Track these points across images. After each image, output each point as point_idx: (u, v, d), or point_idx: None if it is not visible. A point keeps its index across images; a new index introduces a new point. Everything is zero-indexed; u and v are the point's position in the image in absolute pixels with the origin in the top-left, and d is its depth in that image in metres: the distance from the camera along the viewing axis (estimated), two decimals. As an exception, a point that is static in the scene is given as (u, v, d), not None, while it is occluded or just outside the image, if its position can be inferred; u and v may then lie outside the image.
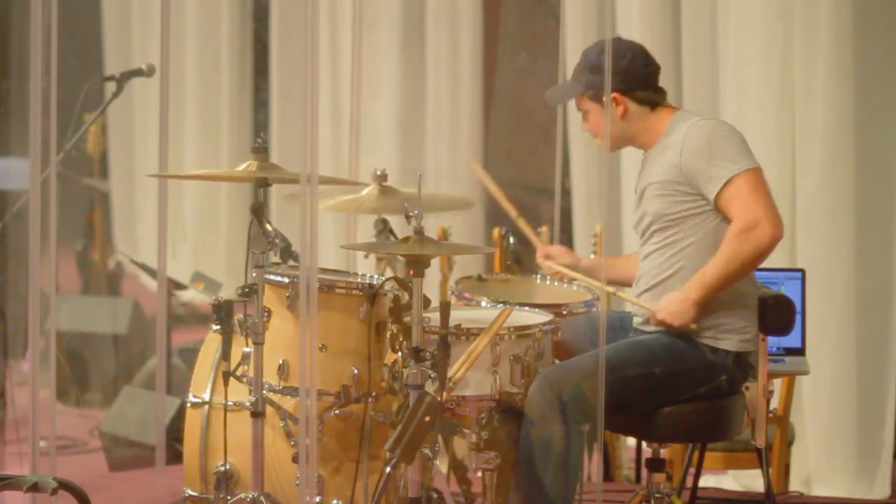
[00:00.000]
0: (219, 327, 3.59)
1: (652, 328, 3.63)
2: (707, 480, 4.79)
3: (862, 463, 4.77)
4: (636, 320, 3.71)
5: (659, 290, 3.62)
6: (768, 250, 3.52)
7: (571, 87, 3.75)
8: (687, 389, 3.57)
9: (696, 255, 3.58)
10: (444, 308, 3.37)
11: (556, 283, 4.33)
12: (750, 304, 3.63)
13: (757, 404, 3.70)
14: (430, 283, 4.23)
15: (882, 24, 4.79)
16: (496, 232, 4.89)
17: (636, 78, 3.66)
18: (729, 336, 3.59)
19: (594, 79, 3.66)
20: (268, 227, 3.52)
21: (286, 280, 3.62)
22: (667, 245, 3.62)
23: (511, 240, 4.83)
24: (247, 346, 3.56)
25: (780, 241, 3.52)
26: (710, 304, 3.57)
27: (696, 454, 4.30)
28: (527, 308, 3.80)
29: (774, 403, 4.31)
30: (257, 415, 3.56)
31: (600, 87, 3.64)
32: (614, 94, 3.64)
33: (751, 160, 3.55)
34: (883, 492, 4.75)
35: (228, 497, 3.70)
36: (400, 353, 3.46)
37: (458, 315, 3.58)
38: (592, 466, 4.32)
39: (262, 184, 3.59)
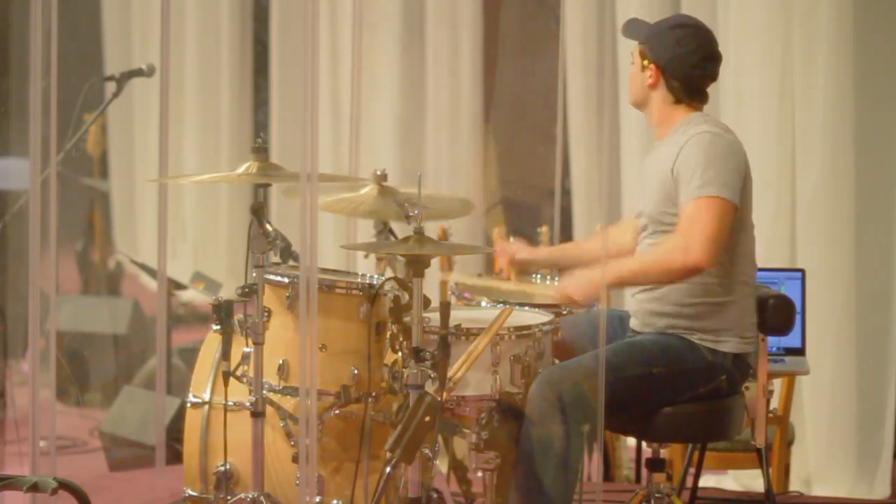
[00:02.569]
0: (219, 327, 3.59)
1: (649, 329, 3.63)
2: (707, 480, 4.79)
3: (862, 463, 4.78)
4: (633, 322, 3.71)
5: (656, 292, 3.61)
6: (683, 274, 3.48)
7: (640, 32, 3.71)
8: (686, 390, 3.57)
9: None
10: (444, 308, 3.37)
11: (555, 283, 4.32)
12: (749, 305, 3.63)
13: (757, 404, 3.70)
14: (430, 283, 4.23)
15: (882, 24, 4.79)
16: (496, 232, 4.89)
17: (679, 68, 3.63)
18: (728, 338, 3.58)
19: (653, 43, 3.64)
20: (268, 227, 3.52)
21: (286, 280, 3.62)
22: None
23: (511, 240, 4.83)
24: (247, 346, 3.56)
25: (697, 272, 3.47)
26: (710, 305, 3.57)
27: (696, 454, 4.30)
28: (527, 308, 3.80)
29: (774, 403, 4.31)
30: (257, 415, 3.56)
31: (650, 52, 3.64)
32: (653, 65, 3.64)
33: (727, 190, 3.49)
34: (883, 492, 4.75)
35: (228, 497, 3.70)
36: (400, 353, 3.46)
37: (458, 315, 3.58)
38: (592, 466, 4.32)
39: (262, 184, 3.59)
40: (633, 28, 3.76)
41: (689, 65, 3.63)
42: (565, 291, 3.58)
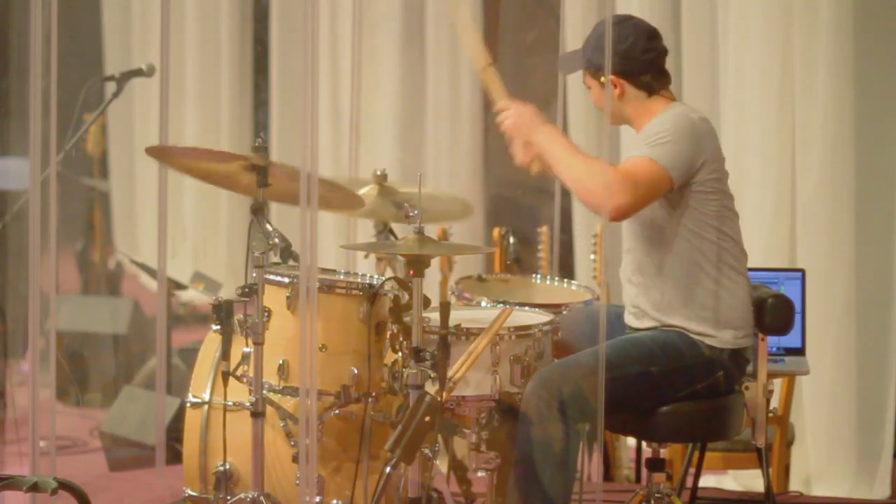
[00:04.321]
0: (219, 327, 3.59)
1: (645, 325, 3.63)
2: (707, 480, 4.79)
3: (862, 463, 4.78)
4: (628, 319, 3.70)
5: (651, 289, 3.61)
6: (595, 200, 3.45)
7: (578, 60, 3.72)
8: (684, 386, 3.57)
9: (675, 253, 3.57)
10: (444, 308, 3.37)
11: (555, 283, 4.33)
12: (743, 297, 3.62)
13: (757, 404, 3.70)
14: (430, 283, 4.23)
15: (882, 24, 4.80)
16: (496, 232, 4.89)
17: (634, 62, 3.62)
18: (725, 332, 3.58)
19: (594, 57, 3.64)
20: (268, 226, 3.52)
21: (286, 280, 3.63)
22: (646, 244, 3.61)
23: (511, 240, 4.83)
24: (247, 346, 3.56)
25: (604, 210, 3.44)
26: (707, 300, 3.57)
27: (696, 454, 4.30)
28: (527, 308, 3.80)
29: (774, 403, 4.31)
30: (257, 415, 3.56)
31: (599, 67, 3.62)
32: (612, 76, 3.63)
33: (672, 163, 3.47)
34: (883, 492, 4.75)
35: (228, 497, 3.70)
36: (400, 353, 3.46)
37: (458, 315, 3.58)
38: (592, 466, 4.32)
39: (262, 184, 3.59)
40: (568, 61, 3.78)
41: (639, 51, 3.63)
42: (507, 123, 3.58)
